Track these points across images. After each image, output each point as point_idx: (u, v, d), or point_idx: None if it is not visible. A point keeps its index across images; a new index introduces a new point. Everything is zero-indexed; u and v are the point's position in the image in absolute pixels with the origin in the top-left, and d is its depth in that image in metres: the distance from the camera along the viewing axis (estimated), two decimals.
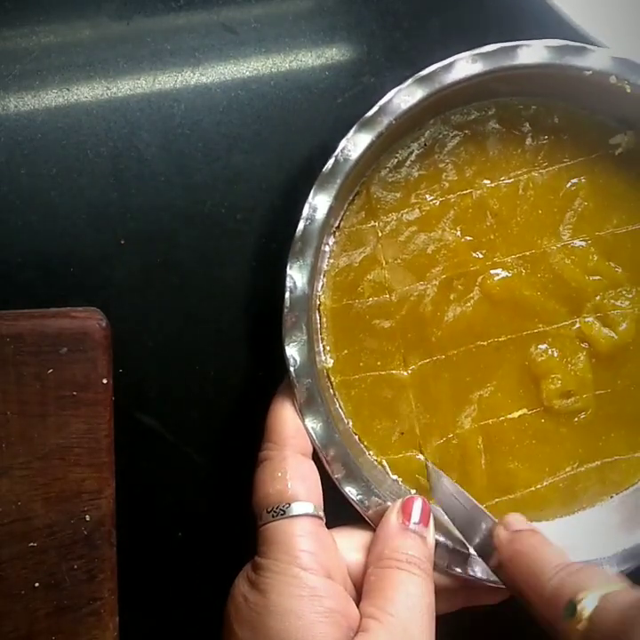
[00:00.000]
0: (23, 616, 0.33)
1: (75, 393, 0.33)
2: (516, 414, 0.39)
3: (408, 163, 0.37)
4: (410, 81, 0.34)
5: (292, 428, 0.33)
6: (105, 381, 0.33)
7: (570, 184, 0.38)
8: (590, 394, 0.39)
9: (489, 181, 0.38)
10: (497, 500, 0.39)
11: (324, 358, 0.37)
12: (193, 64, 0.37)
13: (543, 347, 0.38)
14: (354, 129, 0.34)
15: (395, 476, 0.38)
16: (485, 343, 0.38)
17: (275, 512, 0.32)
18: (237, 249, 0.38)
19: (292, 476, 0.32)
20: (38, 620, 0.33)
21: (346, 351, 0.37)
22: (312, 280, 0.34)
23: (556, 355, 0.39)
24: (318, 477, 0.34)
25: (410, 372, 0.38)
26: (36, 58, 0.36)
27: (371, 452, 0.38)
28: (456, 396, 0.38)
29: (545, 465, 0.39)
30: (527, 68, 0.35)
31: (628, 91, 0.36)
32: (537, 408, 0.39)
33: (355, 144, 0.34)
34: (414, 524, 0.34)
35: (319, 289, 0.37)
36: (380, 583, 0.32)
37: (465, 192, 0.38)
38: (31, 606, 0.33)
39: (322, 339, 0.37)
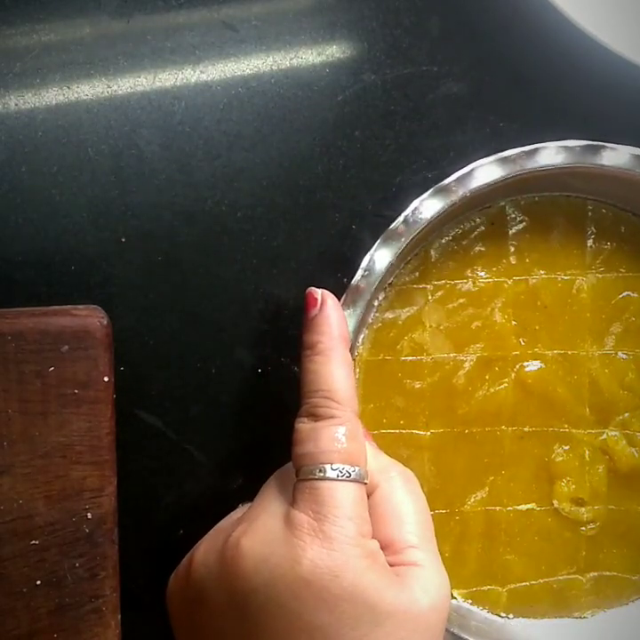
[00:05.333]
0: (25, 614, 0.33)
1: (76, 391, 0.33)
2: (524, 507, 0.38)
3: (472, 236, 0.38)
4: (492, 158, 0.34)
5: (353, 390, 0.32)
6: (106, 379, 0.33)
7: (622, 295, 0.38)
8: (601, 506, 0.38)
9: (545, 273, 0.38)
10: (488, 587, 0.38)
11: None
12: (193, 62, 0.37)
13: (565, 448, 0.38)
14: (429, 193, 0.34)
15: None
16: (510, 429, 0.38)
17: (340, 472, 0.29)
18: (238, 247, 0.38)
19: (360, 439, 0.31)
20: (40, 618, 0.33)
21: (372, 405, 0.37)
22: (357, 331, 0.35)
23: (576, 459, 0.38)
24: None
25: (430, 434, 0.38)
26: (36, 56, 0.36)
27: None
28: (470, 473, 0.38)
29: (542, 563, 0.38)
30: (607, 169, 0.35)
31: None
32: (546, 506, 0.38)
33: (426, 208, 0.34)
34: None
35: (360, 341, 0.37)
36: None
37: (520, 278, 0.38)
38: (33, 604, 0.33)
39: None
